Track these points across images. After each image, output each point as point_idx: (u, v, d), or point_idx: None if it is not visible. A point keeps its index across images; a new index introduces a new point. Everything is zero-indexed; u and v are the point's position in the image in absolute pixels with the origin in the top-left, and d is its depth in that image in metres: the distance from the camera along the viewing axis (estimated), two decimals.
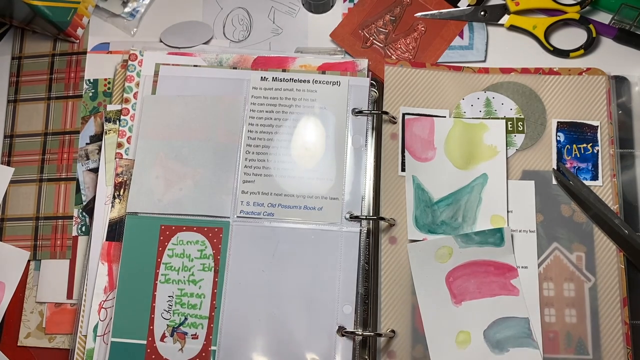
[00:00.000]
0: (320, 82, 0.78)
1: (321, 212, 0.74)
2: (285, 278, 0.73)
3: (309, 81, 0.78)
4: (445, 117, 0.77)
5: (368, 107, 0.77)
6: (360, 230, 0.74)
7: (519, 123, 0.76)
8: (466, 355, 0.70)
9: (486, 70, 0.79)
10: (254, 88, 0.78)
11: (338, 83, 0.78)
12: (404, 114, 0.77)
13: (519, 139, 0.76)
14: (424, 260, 0.72)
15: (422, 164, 0.75)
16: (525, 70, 0.78)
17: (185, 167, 0.76)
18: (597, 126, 0.76)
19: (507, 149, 0.75)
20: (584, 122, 0.76)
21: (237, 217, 0.75)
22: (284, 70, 0.80)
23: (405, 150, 0.76)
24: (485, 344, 0.70)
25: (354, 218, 0.74)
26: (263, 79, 0.79)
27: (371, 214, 0.75)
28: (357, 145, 0.76)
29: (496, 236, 0.72)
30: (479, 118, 0.76)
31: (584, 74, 0.77)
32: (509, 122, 0.76)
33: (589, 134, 0.75)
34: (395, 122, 0.77)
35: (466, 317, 0.70)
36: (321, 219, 0.74)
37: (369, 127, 0.77)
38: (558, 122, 0.76)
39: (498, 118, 0.76)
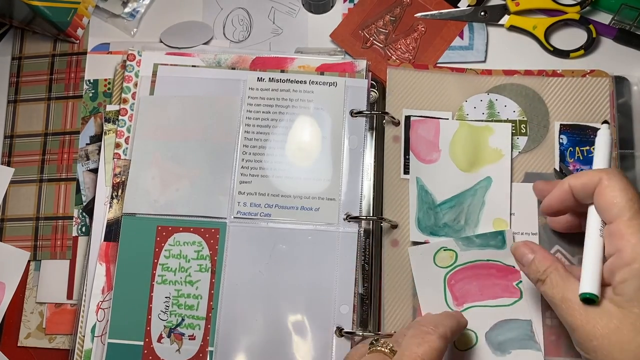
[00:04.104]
0: (316, 83, 0.75)
1: (318, 213, 0.71)
2: (282, 278, 0.70)
3: (305, 82, 0.75)
4: (448, 119, 0.74)
5: (367, 108, 0.74)
6: (359, 230, 0.71)
7: (522, 125, 0.73)
8: (468, 356, 0.68)
9: (489, 72, 0.76)
10: (250, 89, 0.75)
11: (335, 84, 0.75)
12: (406, 116, 0.74)
13: (521, 141, 0.73)
14: (424, 264, 0.70)
15: (427, 166, 0.73)
16: (528, 72, 0.75)
17: (181, 168, 0.73)
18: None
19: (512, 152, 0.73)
20: (587, 124, 0.73)
21: (234, 217, 0.72)
22: (282, 71, 0.76)
23: (410, 152, 0.73)
24: (487, 346, 0.68)
25: (352, 219, 0.71)
26: (260, 79, 0.75)
27: (371, 215, 0.72)
28: (354, 146, 0.73)
29: (497, 239, 0.69)
30: (484, 120, 0.74)
31: (587, 75, 0.74)
32: (512, 125, 0.73)
33: (592, 136, 0.72)
34: (397, 124, 0.74)
35: (468, 319, 0.67)
36: (318, 220, 0.71)
37: (367, 128, 0.74)
38: (561, 124, 0.73)
39: (501, 120, 0.73)
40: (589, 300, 0.54)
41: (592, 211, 0.58)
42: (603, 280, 0.55)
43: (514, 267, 0.69)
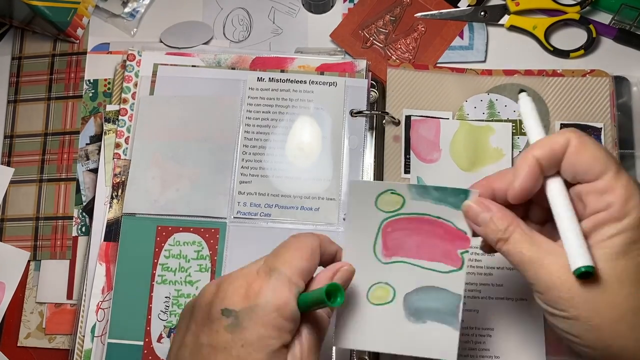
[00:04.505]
0: (316, 83, 0.75)
1: (318, 213, 0.71)
2: None
3: (305, 82, 0.75)
4: (448, 118, 0.74)
5: (367, 108, 0.74)
6: None
7: (522, 125, 0.72)
8: (377, 312, 0.59)
9: (489, 72, 0.76)
10: (250, 89, 0.75)
11: (334, 84, 0.74)
12: (406, 116, 0.74)
13: (522, 141, 0.73)
14: (364, 202, 0.59)
15: (427, 165, 0.72)
16: (528, 72, 0.75)
17: (181, 168, 0.73)
18: (601, 128, 0.72)
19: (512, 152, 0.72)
20: (588, 124, 0.73)
21: (234, 217, 0.72)
22: (282, 71, 0.76)
23: (411, 151, 0.73)
24: (402, 308, 0.59)
25: None
26: (260, 79, 0.75)
27: None
28: (354, 146, 0.73)
29: (459, 197, 0.58)
30: (484, 120, 0.73)
31: (587, 75, 0.74)
32: (512, 124, 0.73)
33: (592, 135, 0.71)
34: (398, 124, 0.74)
35: (391, 274, 0.59)
36: (318, 220, 0.71)
37: (367, 127, 0.74)
38: (561, 124, 0.73)
39: (501, 120, 0.73)
40: (585, 274, 0.49)
41: (554, 182, 0.53)
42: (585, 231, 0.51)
43: (465, 232, 0.58)
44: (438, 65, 0.78)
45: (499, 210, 0.54)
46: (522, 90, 0.57)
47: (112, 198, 0.73)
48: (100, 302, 0.71)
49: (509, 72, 0.75)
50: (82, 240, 0.75)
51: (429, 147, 0.73)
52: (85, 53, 0.81)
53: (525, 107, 0.57)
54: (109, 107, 0.77)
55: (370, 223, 0.59)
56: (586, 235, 0.51)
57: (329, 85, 0.75)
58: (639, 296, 0.49)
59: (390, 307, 0.59)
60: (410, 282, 0.59)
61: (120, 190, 0.73)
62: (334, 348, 0.68)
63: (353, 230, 0.59)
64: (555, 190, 0.53)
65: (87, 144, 0.78)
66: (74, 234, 0.76)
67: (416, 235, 0.59)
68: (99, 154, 0.76)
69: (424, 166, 0.72)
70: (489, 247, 0.57)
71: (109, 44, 0.82)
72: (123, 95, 0.76)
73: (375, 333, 0.59)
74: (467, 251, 0.58)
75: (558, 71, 0.75)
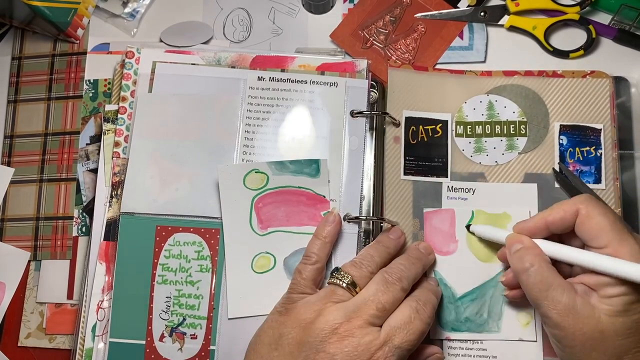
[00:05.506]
0: (317, 83, 0.75)
1: None
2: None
3: (306, 82, 0.75)
4: (447, 120, 0.74)
5: (367, 109, 0.74)
6: (359, 231, 0.71)
7: (522, 126, 0.73)
8: (263, 279, 0.70)
9: (489, 74, 0.76)
10: (250, 88, 0.75)
11: (335, 84, 0.74)
12: (406, 117, 0.74)
13: (521, 142, 0.73)
14: (233, 184, 0.71)
15: (444, 258, 0.70)
16: (528, 73, 0.75)
17: (181, 167, 0.73)
18: (601, 129, 0.72)
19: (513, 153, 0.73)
20: (588, 125, 0.73)
21: None
22: (282, 70, 0.76)
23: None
24: (284, 271, 0.70)
25: (352, 219, 0.71)
26: (260, 78, 0.75)
27: (371, 215, 0.71)
28: (354, 147, 0.73)
29: (312, 167, 0.70)
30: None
31: (587, 76, 0.74)
32: (511, 125, 0.73)
33: (592, 137, 0.72)
34: (398, 125, 0.74)
35: (269, 243, 0.70)
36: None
37: (367, 128, 0.74)
38: (561, 125, 0.73)
39: (500, 121, 0.73)
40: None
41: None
42: (590, 285, 0.57)
43: (324, 196, 0.70)
44: (438, 65, 0.78)
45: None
46: (468, 226, 0.70)
47: (111, 197, 0.73)
48: (100, 302, 0.71)
49: (508, 73, 0.75)
50: (82, 241, 0.76)
51: (444, 239, 0.71)
52: (85, 53, 0.82)
53: (480, 231, 0.69)
54: (108, 107, 0.77)
55: (243, 201, 0.71)
56: (592, 288, 0.57)
57: (330, 85, 0.75)
58: (627, 346, 0.56)
59: (273, 273, 0.70)
60: (286, 247, 0.70)
61: (119, 189, 0.73)
62: None
63: (229, 210, 0.71)
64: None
65: (87, 144, 0.79)
66: (74, 234, 0.76)
67: (284, 206, 0.71)
68: (99, 154, 0.76)
69: (441, 259, 0.71)
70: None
71: (109, 44, 0.82)
72: (122, 94, 0.76)
73: (263, 298, 0.68)
74: (328, 211, 0.70)
75: (558, 72, 0.75)
